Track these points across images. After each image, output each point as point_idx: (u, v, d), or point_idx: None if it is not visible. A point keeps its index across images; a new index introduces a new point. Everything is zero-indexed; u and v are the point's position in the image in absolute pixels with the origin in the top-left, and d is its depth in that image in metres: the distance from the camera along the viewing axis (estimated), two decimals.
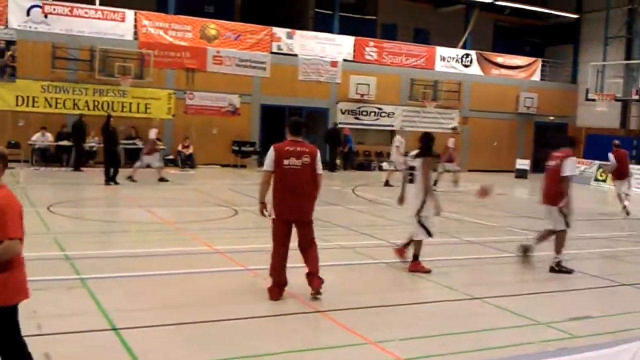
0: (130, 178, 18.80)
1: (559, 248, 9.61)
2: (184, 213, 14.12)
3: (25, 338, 5.71)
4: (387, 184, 21.11)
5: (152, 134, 19.77)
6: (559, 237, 9.61)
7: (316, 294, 7.43)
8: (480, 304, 7.77)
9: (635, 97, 29.84)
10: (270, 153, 7.47)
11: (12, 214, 4.16)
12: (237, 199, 16.35)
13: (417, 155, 9.23)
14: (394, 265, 9.43)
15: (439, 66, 30.91)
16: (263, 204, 7.52)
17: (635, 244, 13.12)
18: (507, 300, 7.96)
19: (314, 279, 7.49)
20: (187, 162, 24.91)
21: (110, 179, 18.42)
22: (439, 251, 10.41)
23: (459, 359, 5.87)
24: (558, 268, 9.54)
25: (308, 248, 7.59)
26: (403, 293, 8.38)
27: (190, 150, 25.15)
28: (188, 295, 7.62)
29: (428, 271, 9.09)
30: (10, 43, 22.79)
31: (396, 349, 5.93)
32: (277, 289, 7.50)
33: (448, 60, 31.09)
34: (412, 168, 9.23)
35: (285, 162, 7.36)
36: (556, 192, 9.49)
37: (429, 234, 9.18)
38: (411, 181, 9.23)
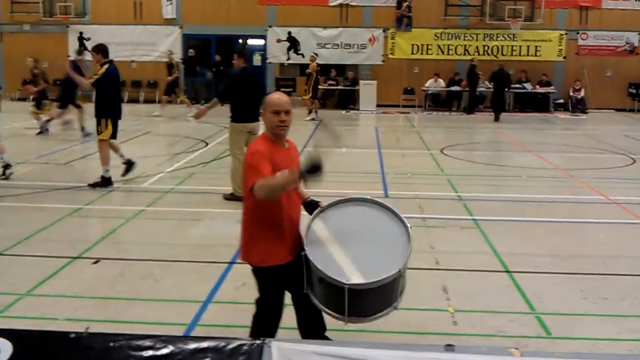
0: None
1: None
2: (576, 160, 13.56)
3: (424, 271, 6.24)
4: None
5: None
6: None
7: None
8: None
9: None
10: None
11: None
12: (634, 146, 15.12)
13: None
14: None
15: None
16: None
17: None
18: None
19: None
20: (578, 106, 23.73)
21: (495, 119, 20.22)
22: None
23: None
24: None
25: None
26: None
27: (582, 94, 23.87)
28: (582, 245, 7.40)
29: None
30: None
31: None
32: None
33: None
34: None
35: None
36: None
37: None
38: None
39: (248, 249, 4.06)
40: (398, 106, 23.66)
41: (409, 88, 24.25)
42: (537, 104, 23.91)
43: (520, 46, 24.32)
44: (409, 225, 3.95)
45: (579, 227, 8.18)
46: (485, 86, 23.01)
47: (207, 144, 14.32)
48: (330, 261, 3.80)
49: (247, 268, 6.29)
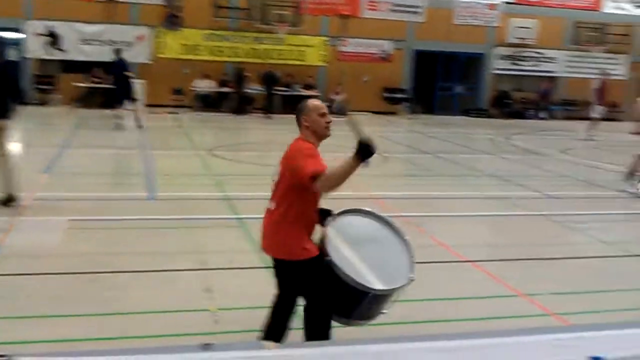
0: None
1: None
2: (337, 159, 14.36)
3: (189, 272, 6.23)
4: None
5: None
6: None
7: None
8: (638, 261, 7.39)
9: None
10: None
11: None
12: (386, 146, 16.38)
13: None
14: (549, 218, 9.13)
15: (608, 7, 28.76)
16: None
17: None
18: None
19: None
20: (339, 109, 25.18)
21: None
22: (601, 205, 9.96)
23: (612, 317, 5.63)
24: None
25: None
26: (557, 247, 8.12)
27: (342, 97, 25.37)
28: None
29: None
30: None
31: (547, 302, 5.81)
32: None
33: (617, 1, 28.85)
34: None
35: None
36: None
37: None
38: None
39: (290, 244, 4.11)
40: (167, 106, 23.29)
41: (178, 88, 23.98)
42: None
43: (286, 50, 25.23)
44: (406, 237, 4.29)
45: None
46: (254, 88, 23.52)
47: None
48: (352, 268, 3.97)
49: None
